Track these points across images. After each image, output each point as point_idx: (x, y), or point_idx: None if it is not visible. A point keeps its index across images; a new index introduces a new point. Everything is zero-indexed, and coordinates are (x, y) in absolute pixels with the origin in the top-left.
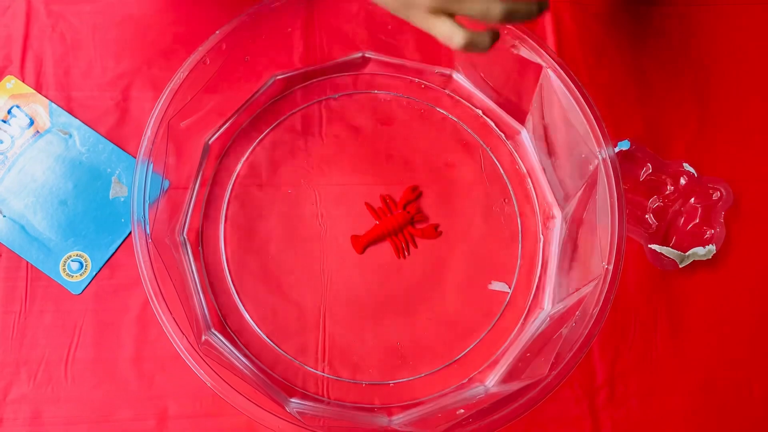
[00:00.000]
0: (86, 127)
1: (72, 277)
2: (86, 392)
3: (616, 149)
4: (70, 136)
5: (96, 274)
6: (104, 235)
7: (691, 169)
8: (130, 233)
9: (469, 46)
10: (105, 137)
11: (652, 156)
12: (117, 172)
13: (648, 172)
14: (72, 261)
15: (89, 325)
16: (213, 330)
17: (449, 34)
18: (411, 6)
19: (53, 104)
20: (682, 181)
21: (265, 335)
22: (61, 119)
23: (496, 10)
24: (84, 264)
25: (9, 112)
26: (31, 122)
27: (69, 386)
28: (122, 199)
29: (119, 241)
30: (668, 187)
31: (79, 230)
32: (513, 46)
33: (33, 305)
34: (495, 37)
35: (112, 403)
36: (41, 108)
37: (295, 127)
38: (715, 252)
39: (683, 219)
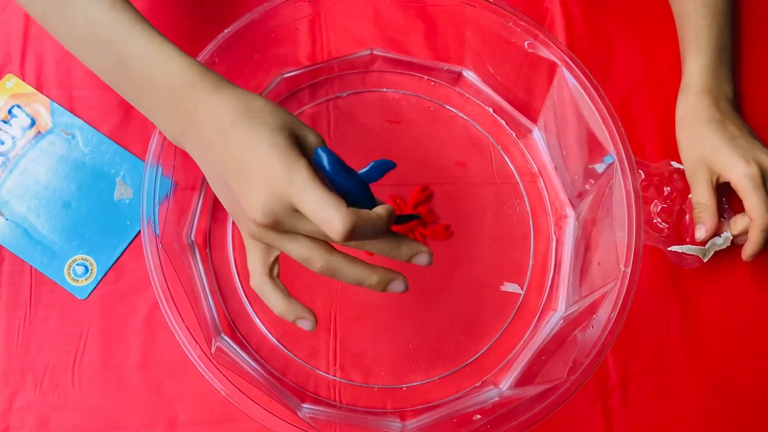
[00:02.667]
0: (89, 127)
1: (77, 281)
2: (94, 399)
3: (604, 164)
4: (73, 136)
5: (102, 279)
6: (109, 238)
7: (679, 166)
8: (135, 236)
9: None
10: (108, 137)
11: (640, 162)
12: (121, 173)
13: (641, 179)
14: (77, 265)
15: (95, 330)
16: (223, 335)
17: (306, 255)
18: (239, 224)
19: (55, 104)
20: (676, 178)
21: (276, 339)
22: (63, 119)
23: (317, 263)
24: (89, 268)
25: (9, 112)
26: (33, 122)
27: (76, 393)
28: (127, 201)
29: (125, 244)
30: (665, 189)
31: (83, 233)
32: (529, 43)
33: (38, 311)
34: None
35: (120, 410)
36: (42, 108)
37: None
38: (732, 237)
39: (688, 215)
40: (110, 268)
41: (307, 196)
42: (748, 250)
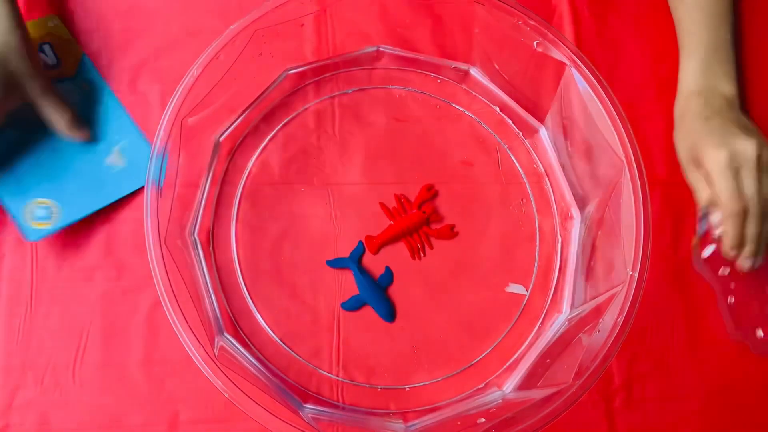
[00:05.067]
0: (109, 90)
1: (35, 223)
2: (95, 397)
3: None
4: (91, 91)
5: (59, 229)
6: (84, 194)
7: None
8: (109, 203)
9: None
10: (124, 106)
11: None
12: (122, 142)
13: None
14: (40, 208)
15: (97, 327)
16: (225, 334)
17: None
18: None
19: (87, 57)
20: None
21: (278, 338)
22: (88, 74)
23: None
24: (51, 214)
25: (41, 47)
26: (59, 64)
27: (77, 391)
28: (115, 170)
29: (97, 207)
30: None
31: (60, 179)
32: (538, 43)
33: (39, 307)
34: None
35: (121, 408)
36: (73, 57)
37: (307, 124)
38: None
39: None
40: (72, 224)
41: None
42: (727, 243)
